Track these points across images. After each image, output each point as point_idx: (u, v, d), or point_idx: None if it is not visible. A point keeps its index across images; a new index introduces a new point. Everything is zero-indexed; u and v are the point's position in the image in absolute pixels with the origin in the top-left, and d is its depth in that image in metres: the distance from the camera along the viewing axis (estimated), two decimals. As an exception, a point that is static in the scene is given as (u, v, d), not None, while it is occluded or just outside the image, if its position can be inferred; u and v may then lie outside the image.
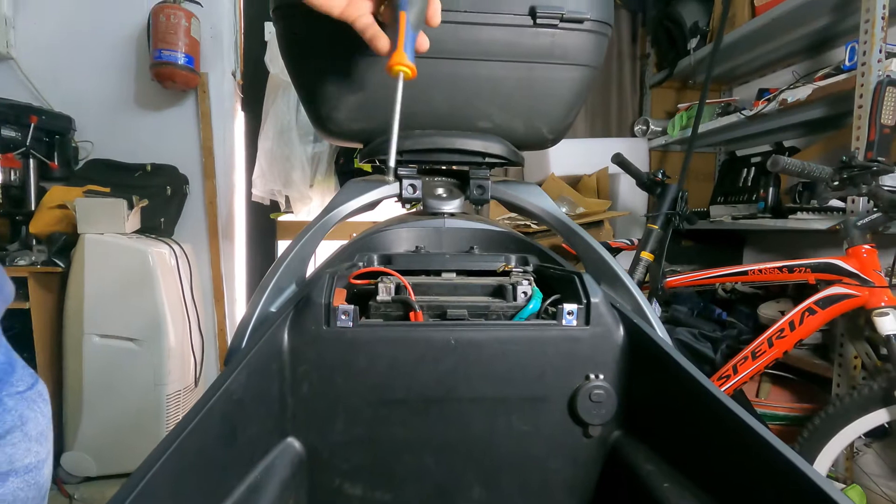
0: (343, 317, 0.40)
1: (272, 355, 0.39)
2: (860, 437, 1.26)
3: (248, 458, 0.36)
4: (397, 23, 0.43)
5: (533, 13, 0.55)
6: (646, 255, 1.57)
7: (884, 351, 1.17)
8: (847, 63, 1.48)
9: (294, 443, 0.41)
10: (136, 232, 1.89)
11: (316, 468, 0.41)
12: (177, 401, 1.85)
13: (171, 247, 1.92)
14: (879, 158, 1.19)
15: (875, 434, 1.37)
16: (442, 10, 0.45)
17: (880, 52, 1.35)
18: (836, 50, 1.89)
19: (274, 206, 2.30)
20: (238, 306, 2.32)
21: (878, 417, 1.15)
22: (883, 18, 1.35)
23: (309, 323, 0.40)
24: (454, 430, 0.42)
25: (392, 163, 0.44)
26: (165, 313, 1.80)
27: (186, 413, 0.31)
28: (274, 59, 2.09)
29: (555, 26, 0.56)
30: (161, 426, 1.80)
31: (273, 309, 0.47)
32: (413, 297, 0.44)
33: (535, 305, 0.45)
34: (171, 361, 1.82)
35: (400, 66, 0.43)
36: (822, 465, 1.21)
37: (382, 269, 0.47)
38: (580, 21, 0.56)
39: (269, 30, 2.28)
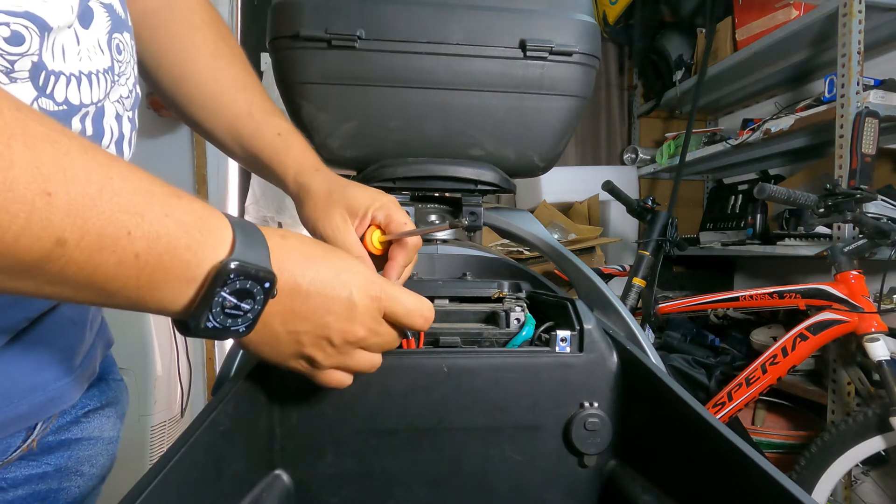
0: (334, 344, 0.40)
1: (261, 385, 0.38)
2: (857, 465, 1.25)
3: (233, 492, 0.35)
4: None
5: (523, 46, 0.57)
6: (638, 282, 1.57)
7: (876, 377, 1.17)
8: (827, 95, 1.53)
9: (282, 475, 0.39)
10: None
11: (304, 502, 0.40)
12: (161, 432, 1.80)
13: (160, 273, 1.89)
14: (862, 186, 1.21)
15: (872, 462, 1.36)
16: (435, 43, 0.46)
17: (858, 84, 1.40)
18: (816, 82, 1.96)
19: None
20: (228, 334, 2.29)
21: (875, 445, 1.14)
22: (858, 53, 1.40)
23: (299, 351, 0.40)
24: (446, 460, 0.41)
25: None
26: (153, 340, 1.76)
27: (171, 445, 0.30)
28: (269, 89, 2.11)
29: (544, 59, 0.57)
30: (145, 459, 1.74)
31: (263, 336, 0.46)
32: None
33: (528, 332, 0.45)
34: (158, 391, 1.77)
35: None
36: (820, 494, 1.20)
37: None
38: (569, 54, 0.58)
39: (266, 60, 2.32)
